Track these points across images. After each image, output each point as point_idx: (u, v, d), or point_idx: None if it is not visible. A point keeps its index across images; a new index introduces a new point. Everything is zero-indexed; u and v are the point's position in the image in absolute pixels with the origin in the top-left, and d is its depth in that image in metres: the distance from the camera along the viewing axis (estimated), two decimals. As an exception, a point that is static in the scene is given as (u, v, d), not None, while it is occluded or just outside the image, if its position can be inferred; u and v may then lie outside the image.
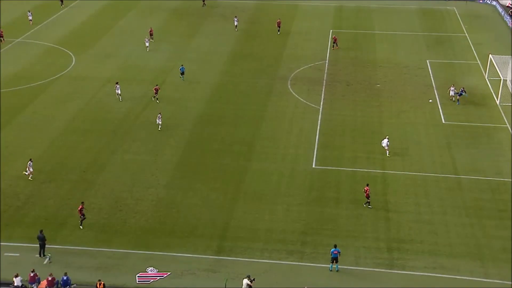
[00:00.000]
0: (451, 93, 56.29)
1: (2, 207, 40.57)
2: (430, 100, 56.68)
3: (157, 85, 57.06)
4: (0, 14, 78.54)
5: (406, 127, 52.14)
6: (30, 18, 75.96)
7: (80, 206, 38.57)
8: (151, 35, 70.63)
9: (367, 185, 41.04)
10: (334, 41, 69.80)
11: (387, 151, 46.86)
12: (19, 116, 53.18)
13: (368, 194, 40.48)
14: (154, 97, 56.09)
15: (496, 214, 40.24)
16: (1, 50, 67.83)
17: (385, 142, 47.07)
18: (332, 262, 34.97)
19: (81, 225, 38.56)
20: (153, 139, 49.39)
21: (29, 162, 43.74)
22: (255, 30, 76.58)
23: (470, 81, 60.80)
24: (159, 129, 50.30)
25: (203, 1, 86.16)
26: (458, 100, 55.89)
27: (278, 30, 74.68)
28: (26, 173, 43.59)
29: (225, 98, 57.67)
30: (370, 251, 36.83)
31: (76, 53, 67.80)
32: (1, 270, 34.32)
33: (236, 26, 75.49)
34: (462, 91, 56.21)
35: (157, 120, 50.57)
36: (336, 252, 34.70)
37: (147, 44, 68.67)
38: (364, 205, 40.64)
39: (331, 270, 35.00)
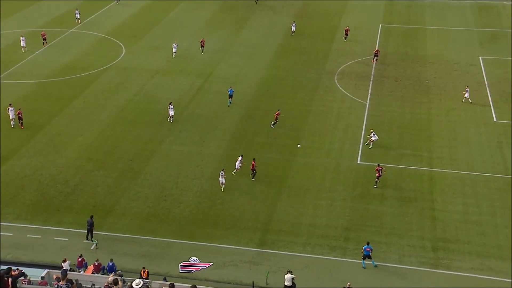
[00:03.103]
0: (466, 95, 54.25)
1: (53, 193, 41.93)
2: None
3: (279, 110, 51.17)
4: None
5: (456, 125, 50.95)
6: (78, 16, 75.82)
7: (253, 163, 42.49)
8: (202, 46, 66.69)
9: (378, 165, 42.03)
10: (376, 54, 63.75)
11: (371, 143, 46.91)
12: (71, 105, 54.58)
13: (380, 174, 41.35)
14: (273, 123, 50.41)
15: (549, 217, 38.93)
16: (48, 45, 69.69)
17: (374, 137, 46.92)
18: (364, 259, 34.66)
19: (253, 178, 42.75)
20: (199, 131, 49.87)
21: (240, 158, 43.39)
22: (304, 24, 76.04)
23: (525, 79, 58.88)
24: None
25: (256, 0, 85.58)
26: None
27: (346, 37, 70.21)
28: (237, 169, 43.13)
29: (271, 92, 57.62)
30: (414, 249, 36.26)
31: (127, 44, 69.11)
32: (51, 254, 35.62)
33: (293, 31, 71.97)
34: None
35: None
36: (368, 249, 34.41)
37: (174, 49, 64.90)
38: (375, 187, 41.50)
39: (364, 268, 34.63)
